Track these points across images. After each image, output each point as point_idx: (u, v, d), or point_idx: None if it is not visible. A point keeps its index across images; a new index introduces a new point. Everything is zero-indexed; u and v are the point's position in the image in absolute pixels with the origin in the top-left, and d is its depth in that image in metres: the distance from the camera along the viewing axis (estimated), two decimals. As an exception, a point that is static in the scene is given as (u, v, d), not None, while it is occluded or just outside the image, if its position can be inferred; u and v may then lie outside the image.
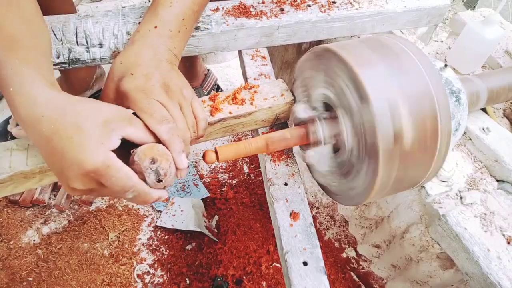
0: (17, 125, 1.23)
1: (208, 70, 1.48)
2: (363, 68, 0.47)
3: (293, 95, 0.66)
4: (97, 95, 1.38)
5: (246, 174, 1.36)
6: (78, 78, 1.21)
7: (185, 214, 1.15)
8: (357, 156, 0.52)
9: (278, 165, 0.68)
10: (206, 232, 1.13)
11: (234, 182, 1.33)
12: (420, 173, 0.52)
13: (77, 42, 0.65)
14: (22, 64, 0.43)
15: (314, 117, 0.59)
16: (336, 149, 0.58)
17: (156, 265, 1.09)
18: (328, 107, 0.58)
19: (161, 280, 1.07)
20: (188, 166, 0.50)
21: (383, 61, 0.49)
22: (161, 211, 1.19)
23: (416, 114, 0.47)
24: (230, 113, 0.61)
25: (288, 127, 0.70)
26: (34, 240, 1.08)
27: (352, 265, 1.15)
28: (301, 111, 0.60)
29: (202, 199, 1.24)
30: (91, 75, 1.26)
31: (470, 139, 0.79)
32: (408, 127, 0.46)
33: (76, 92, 1.27)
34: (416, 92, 0.48)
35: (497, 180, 0.76)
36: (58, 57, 0.65)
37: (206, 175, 1.34)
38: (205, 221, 1.17)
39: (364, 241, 1.08)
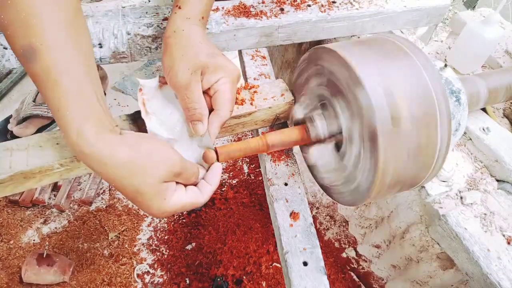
0: (17, 124, 1.24)
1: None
2: (364, 71, 0.47)
3: (293, 95, 0.66)
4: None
5: (246, 174, 1.36)
6: None
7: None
8: (358, 145, 0.51)
9: (278, 165, 0.68)
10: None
11: (234, 182, 1.33)
12: (421, 170, 0.51)
13: (77, 42, 0.65)
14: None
15: (312, 115, 0.59)
16: (339, 147, 0.58)
17: (156, 265, 1.09)
18: (324, 106, 0.58)
19: (161, 280, 1.07)
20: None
21: (384, 62, 0.49)
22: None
23: (418, 121, 0.47)
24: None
25: (288, 126, 0.70)
26: (34, 240, 1.08)
27: (352, 265, 1.15)
28: (300, 110, 0.60)
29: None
30: None
31: (470, 139, 0.79)
32: (405, 110, 0.46)
33: None
34: (416, 93, 0.48)
35: (497, 180, 0.76)
36: (58, 57, 0.65)
37: (206, 175, 1.34)
38: None
39: (364, 241, 1.08)
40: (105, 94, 1.38)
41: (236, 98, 0.63)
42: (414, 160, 0.50)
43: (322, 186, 0.66)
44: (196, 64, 0.51)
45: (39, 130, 1.26)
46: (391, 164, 0.48)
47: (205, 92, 0.53)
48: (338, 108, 0.53)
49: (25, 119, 1.24)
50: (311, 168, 0.67)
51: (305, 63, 0.60)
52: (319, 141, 0.59)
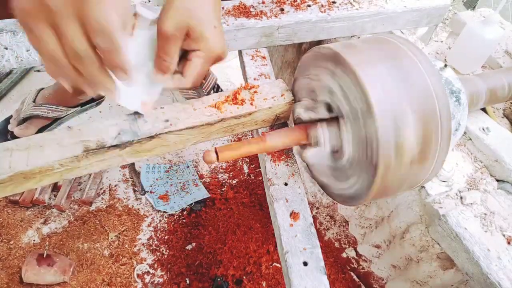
0: (18, 124, 1.24)
1: (208, 70, 1.48)
2: (368, 74, 0.47)
3: (293, 94, 0.66)
4: (99, 101, 1.38)
5: (246, 174, 1.36)
6: None
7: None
8: (356, 164, 0.52)
9: (278, 165, 0.68)
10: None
11: (234, 182, 1.33)
12: (419, 176, 0.52)
13: (77, 42, 0.65)
14: None
15: (315, 119, 0.58)
16: (335, 150, 0.58)
17: (156, 265, 1.09)
18: (329, 107, 0.58)
19: (161, 280, 1.07)
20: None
21: (385, 63, 0.49)
22: (161, 211, 1.19)
23: (417, 121, 0.47)
24: (230, 113, 0.61)
25: (288, 126, 0.70)
26: (34, 240, 1.08)
27: (352, 265, 1.15)
28: (302, 111, 0.60)
29: (202, 199, 1.24)
30: None
31: (470, 139, 0.79)
32: (409, 140, 0.47)
33: (77, 92, 1.26)
34: (417, 94, 0.48)
35: (497, 180, 0.76)
36: (58, 57, 0.65)
37: (206, 175, 1.34)
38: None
39: (364, 241, 1.08)
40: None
41: (236, 98, 0.63)
42: (413, 175, 0.51)
43: (319, 184, 0.67)
44: (185, 22, 0.51)
45: (40, 130, 1.26)
46: (386, 186, 0.50)
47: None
48: (343, 125, 0.54)
49: (25, 119, 1.24)
50: (308, 166, 0.68)
51: (319, 62, 0.57)
52: (318, 144, 0.59)
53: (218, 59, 0.57)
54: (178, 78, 0.55)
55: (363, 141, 0.49)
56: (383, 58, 0.50)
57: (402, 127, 0.46)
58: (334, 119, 0.56)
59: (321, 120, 0.58)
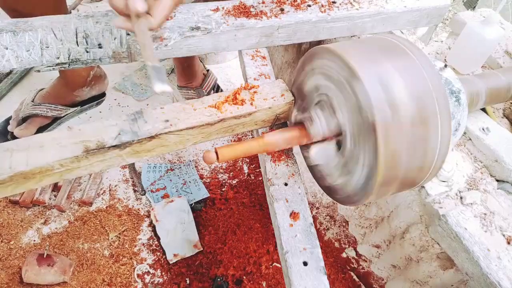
0: (17, 125, 1.24)
1: (208, 70, 1.48)
2: (366, 73, 0.47)
3: (293, 95, 0.66)
4: (99, 101, 1.38)
5: (246, 174, 1.36)
6: (73, 71, 1.20)
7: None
8: (358, 138, 0.51)
9: (278, 165, 0.68)
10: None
11: (234, 182, 1.33)
12: (429, 142, 0.50)
13: (77, 42, 0.65)
14: None
15: (311, 113, 0.59)
16: (339, 145, 0.58)
17: (156, 265, 1.09)
18: (323, 103, 0.58)
19: (161, 280, 1.07)
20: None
21: (384, 63, 0.49)
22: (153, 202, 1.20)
23: (414, 98, 0.47)
24: (230, 113, 0.61)
25: (288, 127, 0.70)
26: (34, 240, 1.08)
27: (352, 265, 1.15)
28: (298, 112, 0.61)
29: (202, 199, 1.24)
30: (87, 71, 1.25)
31: (470, 139, 0.79)
32: (403, 97, 0.46)
33: (71, 86, 1.26)
34: (416, 93, 0.48)
35: (497, 180, 0.76)
36: (58, 57, 0.65)
37: (206, 175, 1.34)
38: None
39: (364, 241, 1.08)
40: (105, 94, 1.39)
41: (236, 99, 0.63)
42: (415, 152, 0.49)
43: (323, 187, 0.66)
44: None
45: (39, 130, 1.26)
46: (392, 156, 0.48)
47: None
48: (335, 104, 0.54)
49: (24, 119, 1.24)
50: (312, 169, 0.67)
51: (301, 64, 0.60)
52: (320, 140, 0.59)
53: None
54: (146, 18, 0.54)
55: (356, 109, 0.49)
56: (382, 58, 0.50)
57: (391, 86, 0.46)
58: (329, 107, 0.57)
59: (316, 112, 0.59)
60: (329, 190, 0.64)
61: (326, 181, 0.64)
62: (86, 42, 0.66)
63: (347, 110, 0.52)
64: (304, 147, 0.65)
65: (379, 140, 0.46)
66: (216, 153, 0.54)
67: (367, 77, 0.46)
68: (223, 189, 1.30)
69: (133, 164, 1.29)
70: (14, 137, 1.23)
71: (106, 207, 1.18)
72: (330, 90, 0.54)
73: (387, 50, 0.51)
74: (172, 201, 1.18)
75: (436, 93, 0.48)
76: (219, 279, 1.05)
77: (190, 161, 1.35)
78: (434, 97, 0.48)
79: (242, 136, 1.46)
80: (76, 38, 0.65)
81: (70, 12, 1.54)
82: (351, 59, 0.48)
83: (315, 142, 0.60)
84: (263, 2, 0.77)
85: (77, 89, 1.27)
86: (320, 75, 0.56)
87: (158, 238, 1.12)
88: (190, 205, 1.20)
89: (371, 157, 0.49)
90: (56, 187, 1.18)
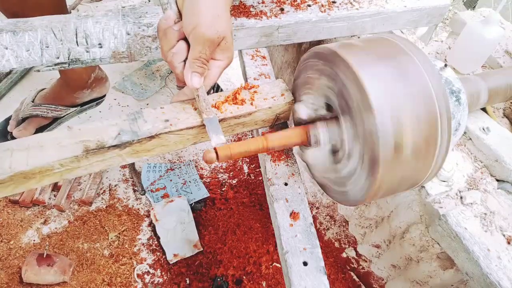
0: (17, 125, 1.24)
1: None
2: (368, 73, 0.47)
3: (293, 95, 0.66)
4: (99, 101, 1.38)
5: (246, 174, 1.36)
6: (74, 73, 1.20)
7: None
8: (356, 162, 0.52)
9: (278, 165, 0.68)
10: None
11: (234, 182, 1.33)
12: (420, 174, 0.52)
13: (77, 42, 0.65)
14: None
15: (315, 118, 0.59)
16: (335, 150, 0.58)
17: (156, 265, 1.09)
18: (329, 107, 0.58)
19: (161, 280, 1.07)
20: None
21: (385, 62, 0.49)
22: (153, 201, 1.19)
23: (417, 120, 0.47)
24: (230, 113, 0.61)
25: (288, 126, 0.70)
26: (34, 240, 1.08)
27: (352, 265, 1.15)
28: (302, 111, 0.60)
29: (202, 199, 1.24)
30: (88, 73, 1.25)
31: (470, 139, 0.79)
32: (408, 136, 0.47)
33: (72, 88, 1.26)
34: (416, 93, 0.48)
35: (497, 180, 0.76)
36: (58, 57, 0.65)
37: (206, 175, 1.34)
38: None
39: (364, 241, 1.08)
40: (105, 95, 1.39)
41: (236, 98, 0.63)
42: (413, 172, 0.51)
43: (319, 184, 0.67)
44: (224, 32, 0.54)
45: (38, 130, 1.26)
46: (386, 184, 0.50)
47: None
48: (343, 124, 0.54)
49: (24, 119, 1.24)
50: (308, 166, 0.68)
51: (318, 61, 0.57)
52: (318, 144, 0.59)
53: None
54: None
55: (363, 138, 0.49)
56: (383, 58, 0.50)
57: (401, 124, 0.46)
58: (333, 119, 0.56)
59: (321, 120, 0.58)
60: (324, 188, 0.65)
61: (322, 181, 0.64)
62: (86, 42, 0.66)
63: (353, 135, 0.52)
64: (302, 146, 0.65)
65: (378, 175, 0.48)
66: (216, 153, 0.54)
67: (382, 114, 0.46)
68: (223, 189, 1.30)
69: (133, 164, 1.29)
70: (14, 137, 1.22)
71: (106, 207, 1.18)
72: (343, 107, 0.53)
73: (392, 55, 0.51)
74: (172, 201, 1.18)
75: (436, 93, 0.48)
76: (219, 279, 1.05)
77: (190, 161, 1.35)
78: (435, 98, 0.48)
79: (242, 136, 1.46)
80: (76, 38, 0.65)
81: (70, 12, 1.54)
82: (367, 84, 0.46)
83: (313, 145, 0.61)
84: (263, 2, 0.77)
85: (77, 91, 1.27)
86: (337, 86, 0.54)
87: (158, 238, 1.12)
88: (190, 205, 1.20)
89: (365, 182, 0.51)
90: (56, 187, 1.18)
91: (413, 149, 0.48)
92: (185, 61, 0.56)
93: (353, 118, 0.51)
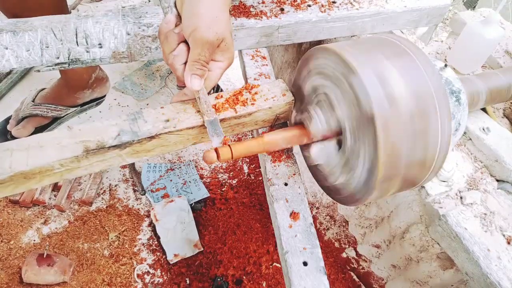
0: (16, 124, 1.24)
1: None
2: (368, 73, 0.47)
3: (293, 95, 0.66)
4: (99, 101, 1.38)
5: (246, 174, 1.36)
6: (75, 73, 1.20)
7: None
8: (358, 133, 0.51)
9: (278, 165, 0.68)
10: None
11: (234, 182, 1.33)
12: (430, 134, 0.50)
13: (77, 42, 0.65)
14: None
15: (310, 112, 0.59)
16: (340, 144, 0.58)
17: (156, 265, 1.09)
18: (322, 102, 0.58)
19: (161, 280, 1.07)
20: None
21: (384, 62, 0.49)
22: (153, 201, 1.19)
23: (412, 93, 0.47)
24: (230, 113, 0.61)
25: (288, 127, 0.70)
26: (34, 240, 1.08)
27: (352, 265, 1.15)
28: (298, 112, 0.61)
29: (202, 199, 1.24)
30: (89, 73, 1.25)
31: (470, 139, 0.79)
32: (401, 91, 0.47)
33: (73, 88, 1.26)
34: (416, 93, 0.48)
35: (497, 180, 0.76)
36: (58, 57, 0.65)
37: (206, 175, 1.34)
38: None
39: (364, 241, 1.08)
40: (105, 95, 1.39)
41: (237, 99, 0.63)
42: (415, 145, 0.49)
43: (324, 188, 0.66)
44: (223, 34, 0.54)
45: (38, 129, 1.26)
46: (392, 149, 0.48)
47: None
48: (334, 101, 0.54)
49: (24, 119, 1.24)
50: (313, 169, 0.67)
51: (299, 68, 0.61)
52: (320, 139, 0.59)
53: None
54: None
55: (355, 103, 0.49)
56: (383, 58, 0.50)
57: (389, 81, 0.47)
58: (326, 105, 0.57)
59: (314, 109, 0.59)
60: (330, 190, 0.64)
61: (327, 181, 0.63)
62: (86, 42, 0.66)
63: (345, 106, 0.52)
64: (305, 147, 0.65)
65: (379, 132, 0.46)
66: (216, 152, 0.54)
67: (364, 71, 0.47)
68: (223, 189, 1.30)
69: (133, 164, 1.29)
70: (14, 137, 1.23)
71: (106, 207, 1.18)
72: (328, 88, 0.55)
73: (385, 48, 0.51)
74: (172, 201, 1.18)
75: (436, 93, 0.48)
76: (219, 279, 1.05)
77: (190, 161, 1.35)
78: (434, 97, 0.48)
79: (242, 136, 1.46)
80: (76, 38, 0.65)
81: (70, 12, 1.53)
82: (347, 55, 0.49)
83: (315, 142, 0.60)
84: (263, 2, 0.77)
85: (78, 91, 1.27)
86: (317, 75, 0.57)
87: (158, 238, 1.12)
88: (190, 205, 1.20)
89: (371, 150, 0.49)
90: (56, 187, 1.18)
91: (411, 106, 0.47)
92: (185, 63, 0.56)
93: (339, 89, 0.52)
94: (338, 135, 0.57)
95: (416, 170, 0.52)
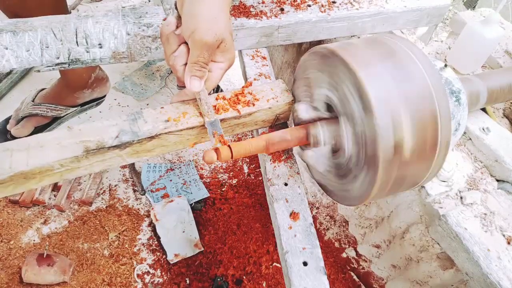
0: (16, 124, 1.23)
1: None
2: (368, 74, 0.47)
3: (293, 95, 0.66)
4: (99, 101, 1.38)
5: (246, 174, 1.36)
6: (75, 73, 1.20)
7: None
8: (356, 163, 0.52)
9: (278, 165, 0.68)
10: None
11: (234, 182, 1.33)
12: (420, 175, 0.52)
13: (77, 42, 0.65)
14: None
15: (315, 118, 0.59)
16: (335, 150, 0.58)
17: (156, 265, 1.09)
18: (329, 107, 0.58)
19: (161, 280, 1.07)
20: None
21: (385, 63, 0.49)
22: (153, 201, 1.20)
23: (417, 120, 0.47)
24: (230, 113, 0.61)
25: (288, 127, 0.70)
26: (34, 240, 1.08)
27: (352, 265, 1.15)
28: (303, 111, 0.60)
29: (202, 199, 1.24)
30: (89, 73, 1.25)
31: (470, 139, 0.79)
32: (408, 137, 0.47)
33: (73, 88, 1.26)
34: (416, 93, 0.48)
35: (497, 180, 0.76)
36: (58, 57, 0.65)
37: (206, 175, 1.34)
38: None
39: (364, 241, 1.08)
40: (105, 95, 1.38)
41: (239, 100, 0.63)
42: (412, 173, 0.51)
43: (319, 184, 0.67)
44: (222, 35, 0.54)
45: (37, 129, 1.26)
46: (386, 184, 0.50)
47: None
48: (343, 124, 0.54)
49: (23, 118, 1.24)
50: (308, 166, 0.68)
51: (318, 62, 0.57)
52: (318, 144, 0.59)
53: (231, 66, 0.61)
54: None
55: (363, 139, 0.49)
56: (383, 58, 0.50)
57: (400, 124, 0.46)
58: (334, 119, 0.56)
59: (321, 120, 0.58)
60: (324, 188, 0.65)
61: (321, 180, 0.64)
62: (86, 42, 0.66)
63: (353, 137, 0.52)
64: (302, 146, 0.65)
65: (379, 173, 0.48)
66: (216, 152, 0.54)
67: (380, 116, 0.46)
68: (223, 189, 1.30)
69: (133, 164, 1.29)
70: (14, 136, 1.23)
71: (106, 207, 1.18)
72: (343, 107, 0.53)
73: (392, 55, 0.51)
74: (172, 200, 1.18)
75: (436, 93, 0.48)
76: (219, 279, 1.05)
77: (190, 161, 1.35)
78: (435, 98, 0.48)
79: (242, 136, 1.46)
80: (76, 38, 0.65)
81: (70, 12, 1.53)
82: (370, 90, 0.46)
83: (313, 145, 0.61)
84: (263, 2, 0.77)
85: (78, 91, 1.27)
86: (337, 85, 0.54)
87: (158, 238, 1.12)
88: (190, 205, 1.20)
89: (366, 179, 0.51)
90: (56, 187, 1.18)
91: (413, 150, 0.48)
92: (186, 64, 0.56)
93: (353, 118, 0.51)
94: (337, 144, 0.57)
95: (410, 186, 0.54)
